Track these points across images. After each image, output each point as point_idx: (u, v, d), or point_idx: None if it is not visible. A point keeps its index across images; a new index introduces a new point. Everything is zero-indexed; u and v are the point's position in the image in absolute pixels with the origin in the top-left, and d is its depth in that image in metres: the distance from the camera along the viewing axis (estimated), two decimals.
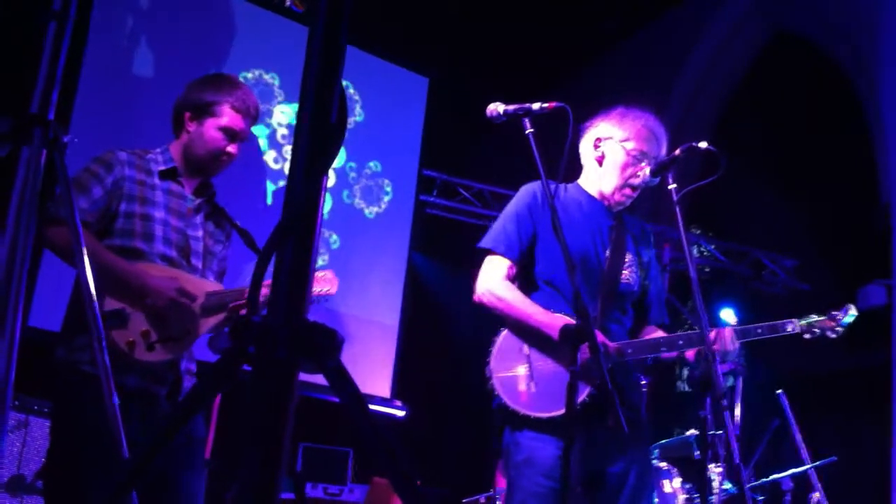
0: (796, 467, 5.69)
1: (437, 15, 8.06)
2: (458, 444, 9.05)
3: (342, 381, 1.30)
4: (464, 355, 6.62)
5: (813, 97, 9.10)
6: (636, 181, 3.16)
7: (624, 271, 3.14)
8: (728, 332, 2.95)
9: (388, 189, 8.16)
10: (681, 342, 2.97)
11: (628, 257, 3.17)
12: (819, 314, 3.00)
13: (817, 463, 5.63)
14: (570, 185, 3.26)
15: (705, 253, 10.04)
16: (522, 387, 2.95)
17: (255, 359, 1.24)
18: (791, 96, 9.23)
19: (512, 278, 3.10)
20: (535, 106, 2.84)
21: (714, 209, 10.30)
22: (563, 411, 2.81)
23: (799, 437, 5.75)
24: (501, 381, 2.97)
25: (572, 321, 2.82)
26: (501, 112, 2.90)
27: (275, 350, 1.23)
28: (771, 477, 5.78)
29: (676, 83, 10.37)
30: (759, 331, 2.99)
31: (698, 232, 10.56)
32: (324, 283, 3.22)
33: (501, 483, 5.90)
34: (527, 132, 2.83)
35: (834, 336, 2.97)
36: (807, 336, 2.99)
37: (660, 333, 3.19)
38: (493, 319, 3.09)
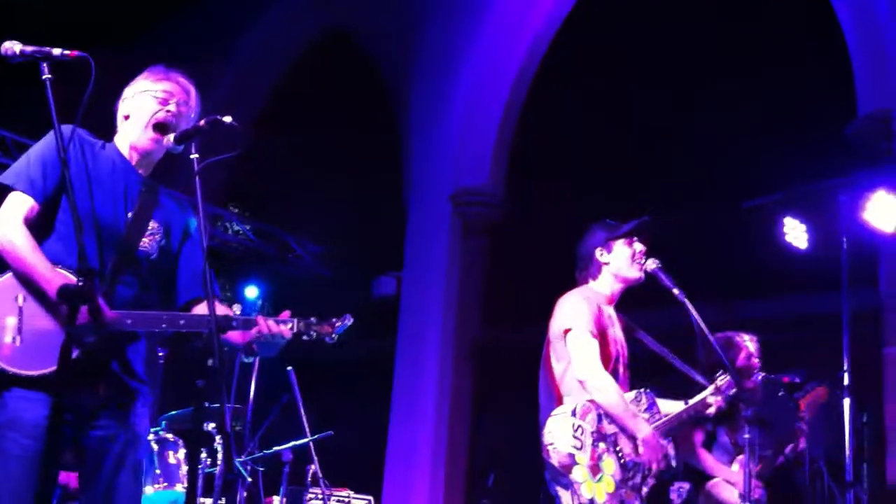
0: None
1: None
2: None
3: None
4: None
5: (353, 95, 9.66)
6: (161, 116, 3.07)
7: (145, 238, 3.07)
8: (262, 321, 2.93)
9: None
10: (182, 322, 2.93)
11: (153, 224, 3.11)
12: (320, 319, 2.97)
13: (316, 436, 5.95)
14: (108, 144, 3.13)
15: (239, 232, 10.19)
16: (7, 339, 2.78)
17: None
18: (335, 91, 9.73)
19: (32, 219, 2.91)
20: (56, 51, 2.69)
21: (253, 189, 10.53)
22: (48, 370, 2.71)
23: (303, 411, 6.02)
24: None
25: (73, 280, 2.72)
26: (17, 52, 2.70)
27: None
28: (273, 449, 6.00)
29: (231, 61, 10.44)
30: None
31: (235, 210, 10.68)
32: None
33: None
34: (44, 77, 2.67)
35: (330, 342, 3.03)
36: (305, 338, 3.02)
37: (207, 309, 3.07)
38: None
